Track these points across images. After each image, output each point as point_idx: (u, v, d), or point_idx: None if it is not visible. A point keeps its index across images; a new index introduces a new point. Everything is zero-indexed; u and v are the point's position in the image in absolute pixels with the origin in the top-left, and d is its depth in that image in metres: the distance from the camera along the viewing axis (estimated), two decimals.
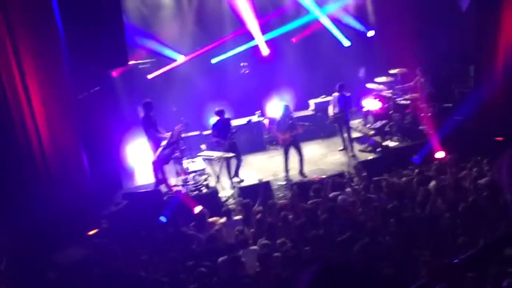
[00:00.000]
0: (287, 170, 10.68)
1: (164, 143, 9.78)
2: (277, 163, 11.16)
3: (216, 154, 10.31)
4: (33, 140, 7.86)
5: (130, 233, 7.96)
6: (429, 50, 12.13)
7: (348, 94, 11.50)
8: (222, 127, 10.49)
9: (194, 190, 9.92)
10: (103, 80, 10.33)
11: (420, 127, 11.38)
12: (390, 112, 11.84)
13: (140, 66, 12.62)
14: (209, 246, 7.10)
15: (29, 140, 7.80)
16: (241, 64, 13.23)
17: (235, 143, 10.57)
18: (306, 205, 7.96)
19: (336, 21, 13.50)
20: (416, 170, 8.93)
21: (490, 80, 10.97)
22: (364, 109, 12.42)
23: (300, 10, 13.36)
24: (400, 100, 11.93)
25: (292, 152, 10.69)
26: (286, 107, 10.77)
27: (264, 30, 12.95)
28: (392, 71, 12.22)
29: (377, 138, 11.67)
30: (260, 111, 12.78)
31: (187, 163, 10.53)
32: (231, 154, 10.29)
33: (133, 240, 7.75)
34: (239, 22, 12.74)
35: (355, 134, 12.08)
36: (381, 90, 12.23)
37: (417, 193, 7.69)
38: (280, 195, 9.85)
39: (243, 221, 7.98)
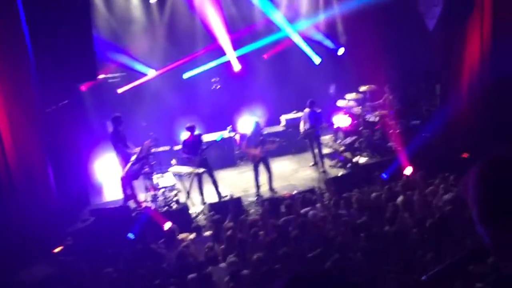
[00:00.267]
0: (258, 186, 10.66)
1: (133, 158, 9.65)
2: (248, 179, 11.14)
3: (186, 169, 10.20)
4: None
5: (97, 250, 7.77)
6: (397, 68, 12.42)
7: (319, 110, 11.59)
8: (193, 143, 10.39)
9: (163, 206, 9.76)
10: (72, 93, 10.20)
11: (389, 144, 11.56)
12: (360, 129, 12.00)
13: (110, 80, 12.50)
14: (179, 263, 6.99)
15: None
16: (213, 79, 13.18)
17: (206, 159, 10.47)
18: (277, 221, 7.94)
19: (307, 39, 13.66)
20: (386, 186, 9.04)
21: (455, 98, 11.25)
22: (335, 126, 12.53)
23: (271, 27, 13.42)
24: (370, 117, 12.11)
25: (262, 169, 10.69)
26: (257, 123, 10.79)
27: (235, 46, 12.98)
28: (361, 88, 12.40)
29: (347, 154, 11.78)
30: (231, 126, 12.75)
31: (157, 179, 10.38)
32: (202, 170, 10.20)
33: (101, 257, 7.56)
34: (211, 37, 12.73)
35: (325, 150, 12.19)
36: (351, 107, 12.39)
37: (386, 209, 7.78)
38: (251, 210, 9.82)
39: (213, 237, 7.92)
